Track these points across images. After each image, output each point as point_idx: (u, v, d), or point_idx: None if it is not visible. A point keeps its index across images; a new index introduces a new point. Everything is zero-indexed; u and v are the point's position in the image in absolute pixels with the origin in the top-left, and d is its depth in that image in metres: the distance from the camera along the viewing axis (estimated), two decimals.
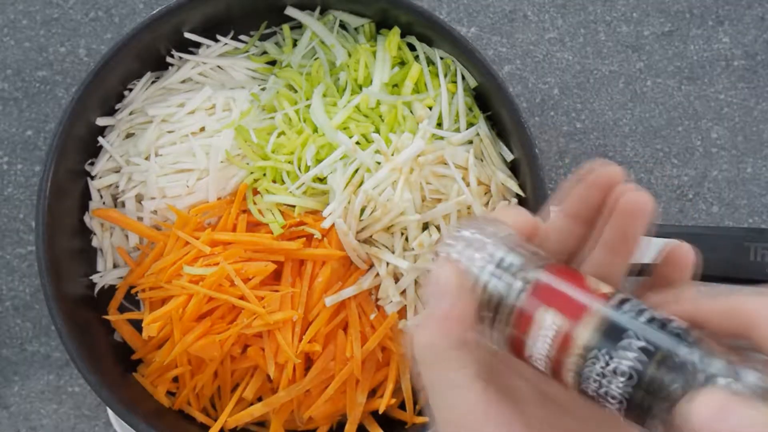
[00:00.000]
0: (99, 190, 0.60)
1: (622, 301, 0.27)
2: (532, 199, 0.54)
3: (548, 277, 0.28)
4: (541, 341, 0.27)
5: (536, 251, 0.29)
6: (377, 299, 0.57)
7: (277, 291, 0.55)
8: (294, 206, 0.56)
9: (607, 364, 0.26)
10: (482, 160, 0.57)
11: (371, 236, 0.56)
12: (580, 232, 0.30)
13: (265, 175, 0.57)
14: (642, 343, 0.25)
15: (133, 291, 0.59)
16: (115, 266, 0.60)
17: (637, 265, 0.30)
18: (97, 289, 0.59)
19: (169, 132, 0.59)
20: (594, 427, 0.30)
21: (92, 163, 0.60)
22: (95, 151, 0.60)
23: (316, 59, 0.60)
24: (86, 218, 0.60)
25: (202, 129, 0.59)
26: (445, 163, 0.56)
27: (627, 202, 0.28)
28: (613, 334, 0.26)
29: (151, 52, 0.59)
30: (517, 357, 0.29)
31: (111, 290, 0.60)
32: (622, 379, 0.25)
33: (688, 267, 0.29)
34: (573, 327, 0.27)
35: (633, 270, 0.30)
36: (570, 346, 0.27)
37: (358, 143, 0.56)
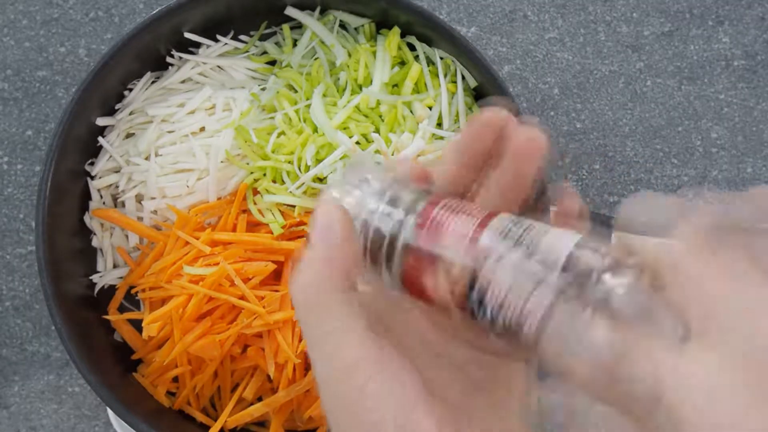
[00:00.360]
0: (99, 190, 0.60)
1: (506, 220, 0.26)
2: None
3: (435, 210, 0.27)
4: (435, 274, 0.26)
5: (424, 188, 0.28)
6: None
7: (277, 291, 0.55)
8: (294, 206, 0.56)
9: (501, 286, 0.24)
10: None
11: None
12: (470, 178, 0.29)
13: (265, 175, 0.57)
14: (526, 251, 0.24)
15: (133, 291, 0.59)
16: (115, 266, 0.60)
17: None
18: (97, 289, 0.59)
19: (169, 132, 0.59)
20: (483, 386, 0.29)
21: (92, 163, 0.60)
22: (95, 151, 0.60)
23: (316, 59, 0.60)
24: (86, 218, 0.60)
25: (202, 129, 0.59)
26: None
27: (520, 140, 0.27)
28: (500, 255, 0.25)
29: (151, 52, 0.59)
30: (412, 294, 0.27)
31: (111, 290, 0.60)
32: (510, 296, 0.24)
33: (578, 216, 0.28)
34: (465, 255, 0.25)
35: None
36: (463, 274, 0.25)
37: (358, 143, 0.56)
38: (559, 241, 0.25)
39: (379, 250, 0.27)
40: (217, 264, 0.54)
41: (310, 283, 0.26)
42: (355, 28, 0.60)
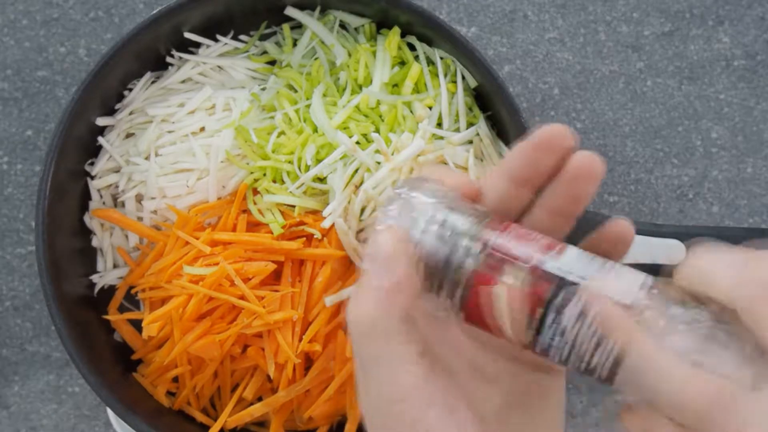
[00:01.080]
0: (99, 190, 0.60)
1: (570, 255, 0.26)
2: None
3: (499, 235, 0.26)
4: (496, 307, 0.26)
5: (479, 209, 0.28)
6: None
7: (277, 291, 0.55)
8: (294, 206, 0.56)
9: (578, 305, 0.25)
10: (482, 160, 0.57)
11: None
12: (524, 197, 0.28)
13: (265, 175, 0.57)
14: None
15: (133, 291, 0.59)
16: (115, 266, 0.60)
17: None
18: (97, 289, 0.59)
19: (169, 132, 0.59)
20: (519, 400, 0.29)
21: (92, 163, 0.60)
22: (95, 151, 0.60)
23: (316, 59, 0.60)
24: (86, 218, 0.60)
25: (202, 129, 0.59)
26: (445, 163, 0.56)
27: (578, 165, 0.26)
28: (574, 280, 0.25)
29: (151, 52, 0.59)
30: (469, 319, 0.27)
31: (111, 290, 0.60)
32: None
33: (626, 244, 0.28)
34: (529, 292, 0.26)
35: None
36: (540, 295, 0.26)
37: (358, 143, 0.56)
38: (624, 283, 0.25)
39: (433, 274, 0.27)
40: (217, 264, 0.54)
41: (371, 313, 0.26)
42: (355, 28, 0.60)
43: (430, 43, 0.59)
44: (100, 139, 0.59)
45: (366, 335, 0.26)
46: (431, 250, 0.27)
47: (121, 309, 0.60)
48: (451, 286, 0.27)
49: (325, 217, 0.55)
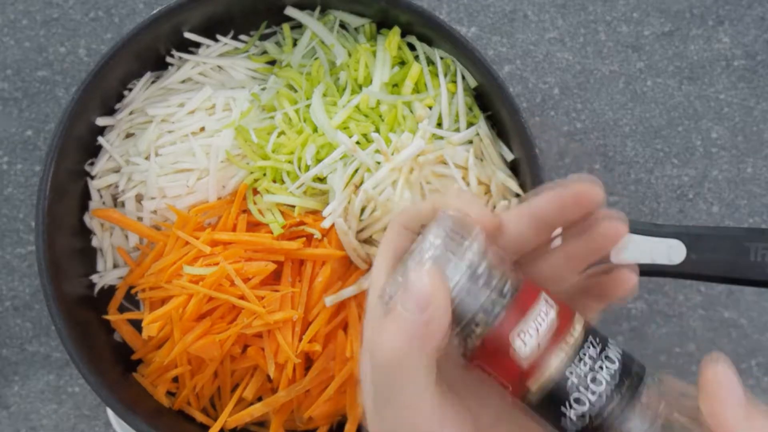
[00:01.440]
0: (99, 190, 0.60)
1: (579, 339, 0.28)
2: None
3: (522, 299, 0.28)
4: (504, 369, 0.28)
5: (506, 258, 0.29)
6: None
7: (277, 291, 0.55)
8: (294, 206, 0.56)
9: (598, 357, 0.27)
10: (482, 160, 0.57)
11: (371, 236, 0.56)
12: (542, 238, 0.30)
13: (265, 175, 0.57)
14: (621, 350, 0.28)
15: (133, 291, 0.59)
16: (115, 266, 0.60)
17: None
18: (97, 289, 0.59)
19: (169, 132, 0.59)
20: (508, 412, 0.30)
21: (92, 163, 0.60)
22: (95, 151, 0.60)
23: (316, 59, 0.60)
24: (86, 218, 0.60)
25: (202, 129, 0.59)
26: (445, 163, 0.56)
27: (606, 227, 0.28)
28: (598, 339, 0.28)
29: (151, 52, 0.59)
30: (471, 363, 0.29)
31: (111, 290, 0.60)
32: (612, 366, 0.27)
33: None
34: (537, 369, 0.27)
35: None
36: (564, 338, 0.27)
37: (358, 143, 0.56)
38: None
39: (458, 319, 0.28)
40: (217, 264, 0.54)
41: (399, 347, 0.27)
42: (355, 28, 0.60)
43: (430, 43, 0.59)
44: (100, 139, 0.59)
45: (391, 367, 0.27)
46: (461, 300, 0.28)
47: (121, 309, 0.60)
48: (467, 335, 0.28)
49: (325, 217, 0.55)
